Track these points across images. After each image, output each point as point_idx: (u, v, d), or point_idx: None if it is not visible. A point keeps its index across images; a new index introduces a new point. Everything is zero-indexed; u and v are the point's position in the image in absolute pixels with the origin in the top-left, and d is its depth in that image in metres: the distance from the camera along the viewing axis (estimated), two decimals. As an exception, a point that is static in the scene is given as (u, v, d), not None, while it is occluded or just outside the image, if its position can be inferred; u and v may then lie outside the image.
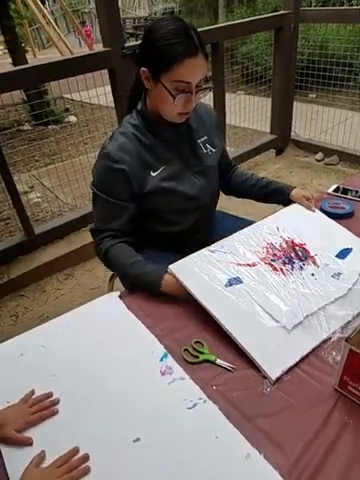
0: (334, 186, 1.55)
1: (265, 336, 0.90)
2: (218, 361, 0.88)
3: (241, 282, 1.01)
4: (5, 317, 2.06)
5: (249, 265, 1.06)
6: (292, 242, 1.16)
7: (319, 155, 3.39)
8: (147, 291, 1.07)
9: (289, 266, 1.08)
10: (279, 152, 3.53)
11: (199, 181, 1.21)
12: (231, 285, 1.00)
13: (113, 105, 2.31)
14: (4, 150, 2.06)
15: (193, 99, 1.05)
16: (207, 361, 0.88)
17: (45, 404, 0.80)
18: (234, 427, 0.74)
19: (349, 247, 1.16)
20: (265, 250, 1.12)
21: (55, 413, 0.79)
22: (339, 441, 0.72)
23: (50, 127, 4.85)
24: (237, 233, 1.17)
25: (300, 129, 3.64)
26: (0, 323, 2.04)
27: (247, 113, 3.58)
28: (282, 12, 3.01)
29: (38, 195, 3.26)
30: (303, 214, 1.28)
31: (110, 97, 2.33)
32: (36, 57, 9.23)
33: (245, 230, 1.19)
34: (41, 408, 0.79)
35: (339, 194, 1.50)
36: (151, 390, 0.83)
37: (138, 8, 12.75)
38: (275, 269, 1.06)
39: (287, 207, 1.32)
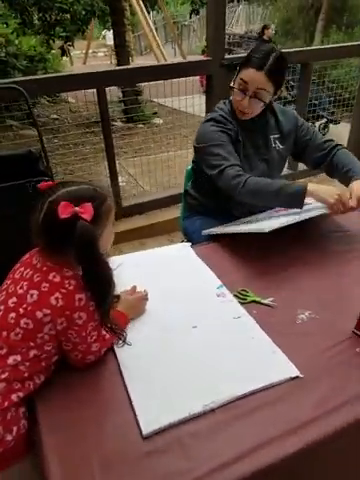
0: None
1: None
2: (262, 301, 1.15)
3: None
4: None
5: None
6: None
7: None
8: (289, 202, 1.29)
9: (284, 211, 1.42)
10: None
11: (263, 166, 1.49)
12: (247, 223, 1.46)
13: (197, 113, 2.69)
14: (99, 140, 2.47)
15: (246, 100, 1.34)
16: (254, 301, 1.15)
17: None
18: (266, 334, 1.01)
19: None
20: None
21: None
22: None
23: (139, 126, 5.34)
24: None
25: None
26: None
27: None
28: (375, 41, 3.17)
29: (122, 179, 3.73)
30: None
31: (197, 107, 2.70)
32: (134, 62, 9.92)
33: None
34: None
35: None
36: (208, 304, 1.13)
37: (235, 25, 13.22)
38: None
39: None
